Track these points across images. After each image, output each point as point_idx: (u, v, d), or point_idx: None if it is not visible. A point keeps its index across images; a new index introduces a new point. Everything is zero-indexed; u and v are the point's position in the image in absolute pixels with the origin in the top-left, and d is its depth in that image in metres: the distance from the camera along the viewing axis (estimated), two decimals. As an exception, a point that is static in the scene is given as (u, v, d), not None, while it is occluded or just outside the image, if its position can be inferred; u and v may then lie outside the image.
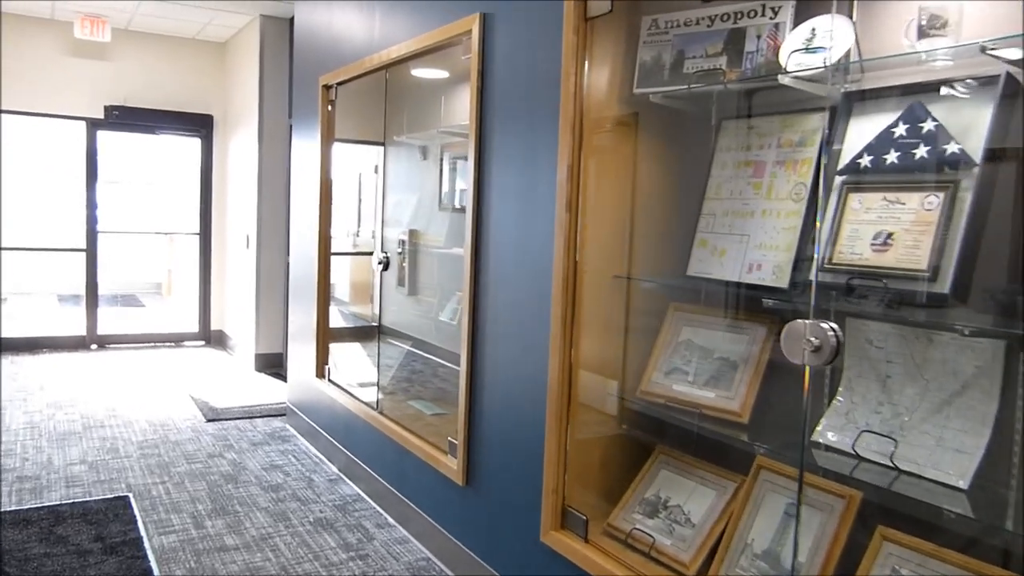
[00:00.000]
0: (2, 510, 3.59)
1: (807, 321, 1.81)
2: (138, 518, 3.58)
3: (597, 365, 2.66)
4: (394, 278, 4.84)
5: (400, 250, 4.75)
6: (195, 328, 8.25)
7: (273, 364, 7.07)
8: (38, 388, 6.02)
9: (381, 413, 3.96)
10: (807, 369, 1.84)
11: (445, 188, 4.51)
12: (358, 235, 5.26)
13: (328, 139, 4.63)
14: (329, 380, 4.68)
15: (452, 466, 3.17)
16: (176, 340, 8.18)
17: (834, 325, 1.77)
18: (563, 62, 2.49)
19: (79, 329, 7.73)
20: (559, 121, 2.51)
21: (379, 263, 3.90)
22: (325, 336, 4.77)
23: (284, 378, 6.59)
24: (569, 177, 2.48)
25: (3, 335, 7.38)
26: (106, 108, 7.43)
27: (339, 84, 4.49)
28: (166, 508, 3.73)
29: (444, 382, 4.30)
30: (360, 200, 5.32)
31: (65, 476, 4.12)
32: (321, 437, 4.71)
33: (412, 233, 4.75)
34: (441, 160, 4.61)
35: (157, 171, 10.73)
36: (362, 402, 4.18)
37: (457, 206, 4.21)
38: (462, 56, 3.09)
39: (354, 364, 4.85)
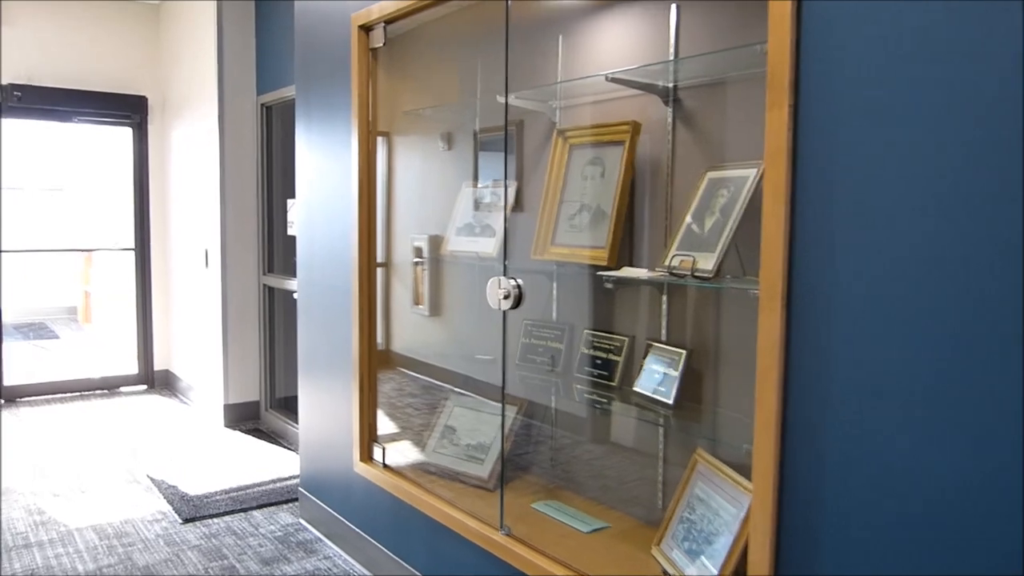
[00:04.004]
0: None
1: None
2: None
3: None
4: (408, 294, 3.39)
5: (417, 260, 3.30)
6: (133, 368, 6.47)
7: (248, 416, 5.41)
8: (-77, 479, 4.24)
9: (511, 537, 2.46)
10: None
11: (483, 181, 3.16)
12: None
13: (368, 109, 3.08)
14: (384, 466, 3.14)
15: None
16: (109, 386, 6.38)
17: None
18: None
19: (-23, 380, 5.85)
20: None
21: (504, 296, 2.40)
22: (372, 401, 3.23)
23: (265, 436, 4.97)
24: None
25: None
26: (4, 88, 5.60)
27: (389, 22, 2.95)
28: None
29: (574, 462, 2.85)
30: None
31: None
32: (367, 545, 3.18)
33: (433, 240, 3.30)
34: (476, 145, 3.19)
35: (70, 171, 8.71)
36: (461, 510, 2.68)
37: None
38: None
39: (408, 425, 3.34)
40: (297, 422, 4.98)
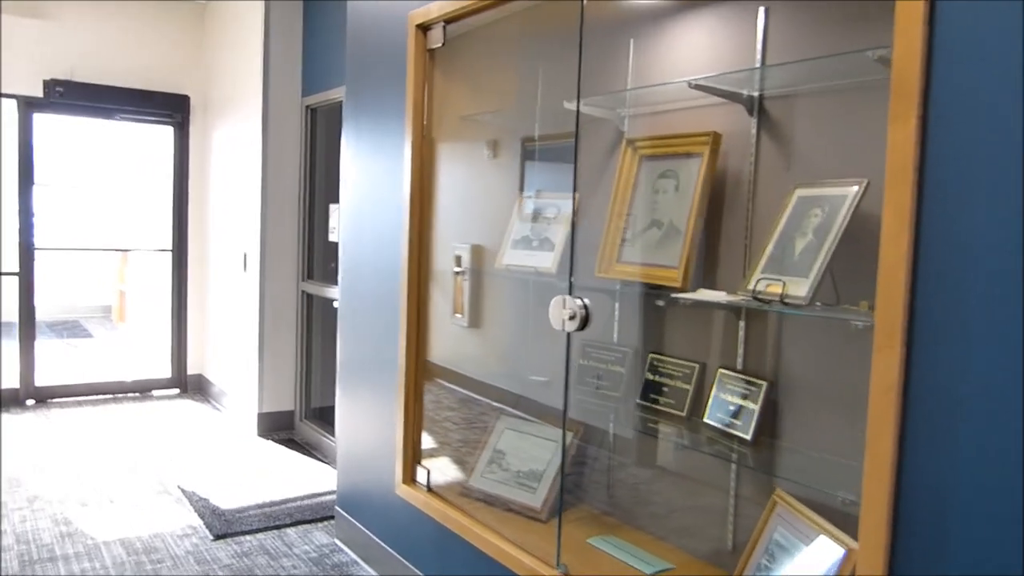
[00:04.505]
0: None
1: None
2: None
3: None
4: (448, 303, 3.23)
5: (459, 269, 3.14)
6: (166, 372, 6.38)
7: (282, 426, 5.28)
8: (-48, 480, 4.16)
9: (568, 577, 2.28)
10: None
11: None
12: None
13: (423, 113, 2.93)
14: (428, 489, 2.97)
15: None
16: (142, 389, 6.30)
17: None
18: None
19: (10, 378, 5.79)
20: None
21: (570, 317, 2.22)
22: (418, 420, 3.07)
23: (299, 447, 4.84)
24: None
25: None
26: (46, 83, 5.54)
27: (449, 21, 2.80)
28: None
29: (634, 494, 2.66)
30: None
31: None
32: (407, 572, 3.01)
33: (476, 249, 3.13)
34: (524, 153, 3.04)
35: (110, 169, 8.69)
36: (512, 543, 2.50)
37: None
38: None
39: (446, 440, 3.18)
40: (332, 434, 4.84)
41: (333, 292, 4.84)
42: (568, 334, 2.31)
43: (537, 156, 3.07)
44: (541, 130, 3.01)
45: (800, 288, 1.91)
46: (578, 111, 2.28)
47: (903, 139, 1.44)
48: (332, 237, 4.86)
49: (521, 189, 3.15)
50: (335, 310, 4.79)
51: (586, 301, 2.22)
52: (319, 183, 5.17)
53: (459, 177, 3.33)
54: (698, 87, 2.13)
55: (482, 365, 3.36)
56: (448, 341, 3.39)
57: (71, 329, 9.67)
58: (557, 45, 2.90)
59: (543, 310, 3.07)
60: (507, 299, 3.28)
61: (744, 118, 2.24)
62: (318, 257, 5.21)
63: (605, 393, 2.67)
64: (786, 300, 1.92)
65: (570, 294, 2.27)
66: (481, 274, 3.24)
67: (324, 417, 5.18)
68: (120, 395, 6.18)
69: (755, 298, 2.00)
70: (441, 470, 3.06)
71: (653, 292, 2.44)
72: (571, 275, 2.31)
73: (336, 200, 4.82)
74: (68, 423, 5.33)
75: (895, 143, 1.45)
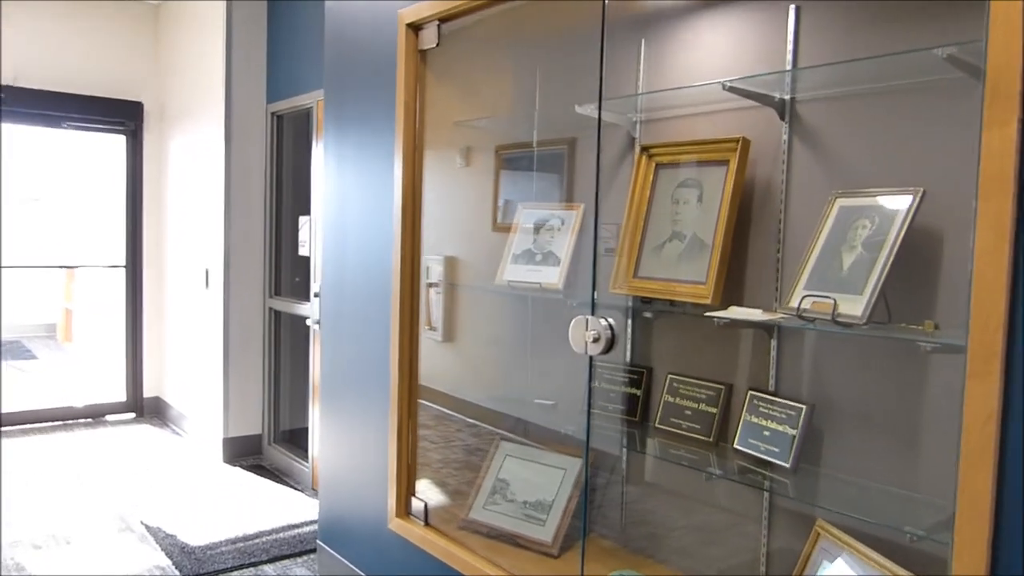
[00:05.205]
0: None
1: None
2: None
3: None
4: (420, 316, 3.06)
5: (430, 281, 2.97)
6: (120, 395, 6.02)
7: (249, 451, 5.00)
8: None
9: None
10: None
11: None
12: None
13: (415, 118, 2.74)
14: (426, 524, 2.76)
15: None
16: (94, 414, 5.93)
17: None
18: None
19: (-50, 406, 5.39)
20: None
21: (594, 339, 2.04)
22: (412, 448, 2.86)
23: (269, 474, 4.58)
24: None
25: None
26: (-12, 91, 5.19)
27: (444, 20, 2.61)
28: None
29: (652, 525, 2.50)
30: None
31: None
32: (408, 618, 2.80)
33: (449, 261, 2.97)
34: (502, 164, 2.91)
35: (54, 180, 8.24)
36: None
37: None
38: None
39: (425, 460, 2.98)
40: (304, 458, 4.58)
41: (303, 309, 4.59)
42: (591, 357, 2.13)
43: (536, 164, 2.90)
44: (539, 136, 2.84)
45: (854, 306, 1.76)
46: (600, 113, 2.10)
47: (1001, 145, 1.30)
48: (303, 251, 4.62)
49: (496, 199, 2.98)
50: (305, 328, 4.55)
51: (611, 321, 2.05)
52: (286, 194, 4.91)
53: (429, 186, 3.14)
54: (732, 89, 1.98)
55: (458, 382, 3.17)
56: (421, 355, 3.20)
57: (13, 350, 9.16)
58: (556, 46, 2.73)
59: (543, 327, 2.90)
60: (495, 314, 3.10)
61: (769, 124, 2.10)
62: (286, 272, 4.95)
63: (618, 416, 2.50)
64: (838, 319, 1.77)
65: (592, 313, 2.09)
66: (456, 287, 3.06)
67: (295, 440, 4.92)
68: (71, 421, 5.81)
69: (799, 316, 1.85)
70: (434, 500, 2.86)
71: (675, 309, 2.28)
72: (594, 291, 2.13)
73: (306, 212, 4.57)
74: (14, 454, 4.96)
75: (992, 150, 1.31)
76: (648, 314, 2.44)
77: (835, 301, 1.78)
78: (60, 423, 5.75)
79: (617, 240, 2.45)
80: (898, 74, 1.81)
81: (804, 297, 1.86)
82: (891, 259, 1.73)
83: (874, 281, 1.74)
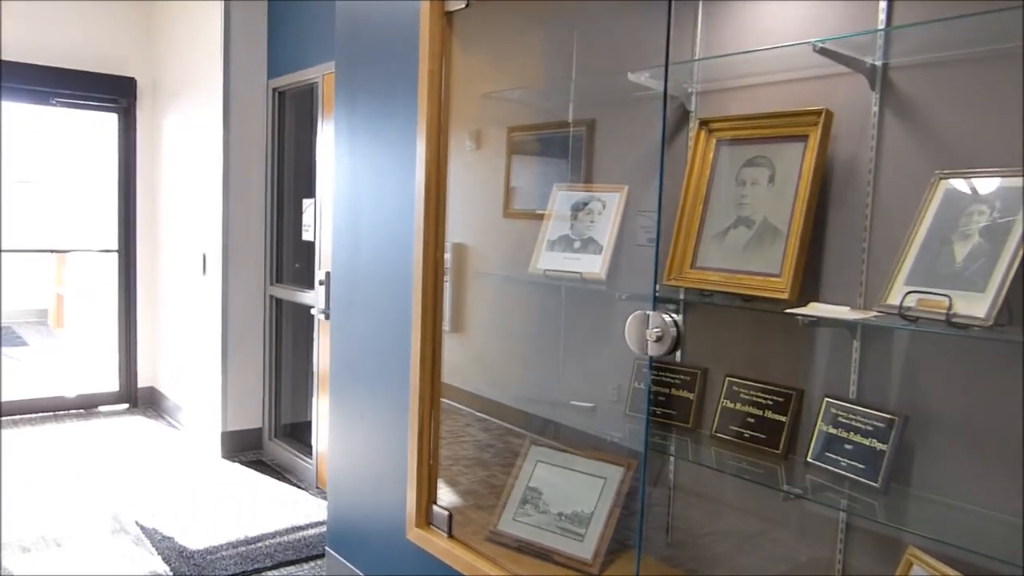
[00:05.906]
0: None
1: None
2: None
3: None
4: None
5: None
6: (113, 384, 5.75)
7: (249, 446, 4.75)
8: None
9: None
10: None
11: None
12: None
13: (441, 89, 2.46)
14: (450, 535, 2.51)
15: None
16: (86, 405, 5.66)
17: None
18: None
19: (-66, 397, 5.11)
20: None
21: (657, 338, 1.78)
22: (434, 451, 2.60)
23: (270, 470, 4.34)
24: None
25: None
26: (-29, 63, 4.88)
27: (475, -18, 2.34)
28: None
29: (702, 542, 2.25)
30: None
31: None
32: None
33: (457, 248, 2.72)
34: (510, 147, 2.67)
35: (46, 161, 7.92)
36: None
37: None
38: None
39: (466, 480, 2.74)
40: (307, 454, 4.33)
41: (306, 297, 4.32)
42: (651, 358, 1.87)
43: (522, 150, 2.64)
44: (576, 108, 2.57)
45: (974, 305, 1.50)
46: (666, 81, 1.82)
47: None
48: (306, 235, 4.34)
49: (507, 180, 2.73)
50: (308, 317, 4.29)
51: (676, 318, 1.79)
52: (288, 175, 4.63)
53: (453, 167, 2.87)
54: (823, 51, 1.71)
55: (467, 375, 2.91)
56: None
57: (3, 336, 8.87)
58: (600, 7, 2.46)
59: (579, 321, 2.65)
60: (514, 305, 2.85)
61: (857, 94, 1.84)
62: (288, 258, 4.68)
63: (669, 423, 2.25)
64: (954, 320, 1.51)
65: (653, 308, 1.83)
66: (465, 275, 2.81)
67: (296, 435, 4.66)
68: (62, 412, 5.54)
69: (902, 315, 1.60)
70: (450, 501, 2.62)
71: (743, 304, 2.03)
72: (655, 284, 1.86)
73: (310, 194, 4.30)
74: (4, 448, 4.70)
75: None
76: (703, 308, 2.19)
77: (950, 299, 1.53)
78: (51, 414, 5.48)
79: (656, 229, 2.19)
80: (1012, 35, 1.55)
81: (908, 293, 1.60)
82: (1021, 251, 1.47)
83: (1000, 276, 1.49)
